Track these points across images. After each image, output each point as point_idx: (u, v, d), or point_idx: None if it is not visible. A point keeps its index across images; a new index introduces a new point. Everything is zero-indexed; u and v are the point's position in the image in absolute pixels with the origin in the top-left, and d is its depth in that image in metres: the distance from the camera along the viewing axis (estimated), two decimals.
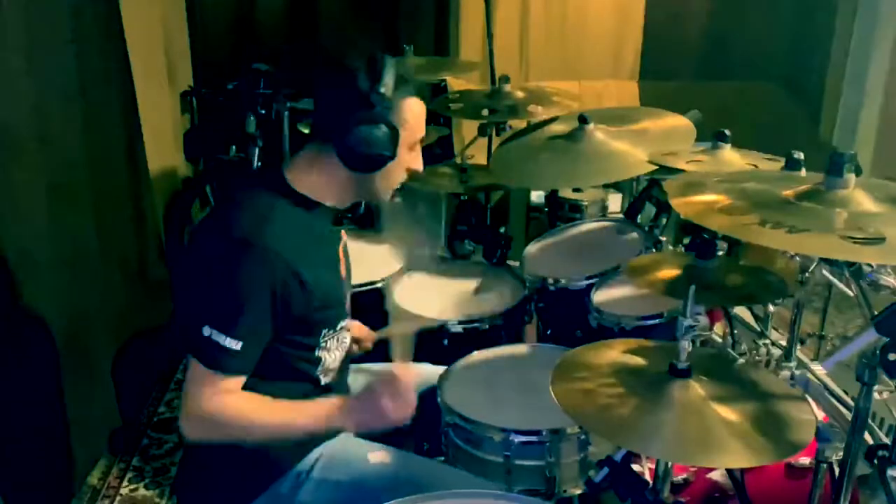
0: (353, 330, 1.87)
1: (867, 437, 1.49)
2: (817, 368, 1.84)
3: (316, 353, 1.65)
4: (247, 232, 1.50)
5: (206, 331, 1.47)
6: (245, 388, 1.54)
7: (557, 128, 2.47)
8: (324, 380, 1.70)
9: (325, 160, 1.58)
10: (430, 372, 1.94)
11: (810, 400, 1.52)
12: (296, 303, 1.54)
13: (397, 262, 2.45)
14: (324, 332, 1.64)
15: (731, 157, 2.04)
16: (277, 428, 1.55)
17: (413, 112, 1.60)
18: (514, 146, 2.51)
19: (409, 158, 1.65)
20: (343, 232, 1.79)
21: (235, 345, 1.48)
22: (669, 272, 1.72)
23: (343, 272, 1.74)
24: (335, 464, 1.66)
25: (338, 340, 1.70)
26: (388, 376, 1.59)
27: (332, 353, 1.69)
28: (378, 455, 1.68)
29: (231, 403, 1.51)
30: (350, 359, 1.82)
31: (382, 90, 1.53)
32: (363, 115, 1.52)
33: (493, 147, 2.82)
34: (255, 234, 1.49)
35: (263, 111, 3.43)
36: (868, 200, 1.34)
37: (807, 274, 1.75)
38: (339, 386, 1.76)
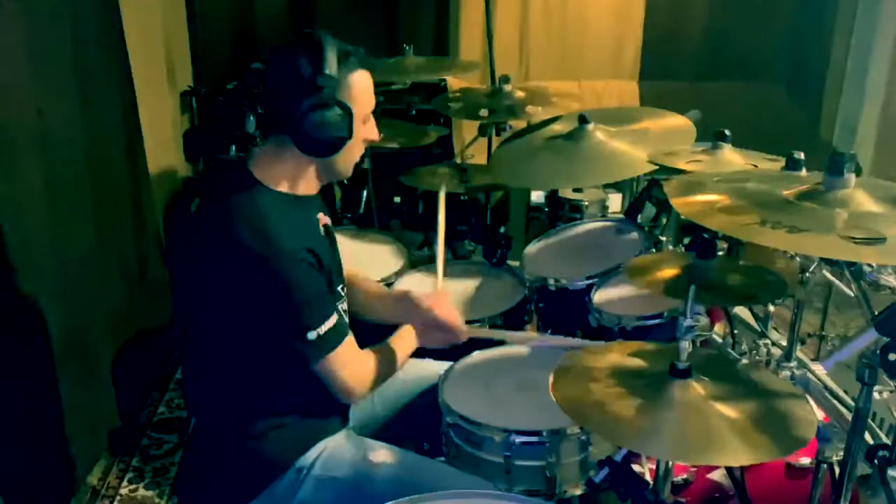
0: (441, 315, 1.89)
1: (867, 437, 1.49)
2: (817, 368, 1.84)
3: None
4: (259, 245, 1.50)
5: (312, 335, 1.54)
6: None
7: (557, 128, 2.47)
8: None
9: (285, 151, 1.59)
10: (431, 370, 1.93)
11: (810, 400, 1.52)
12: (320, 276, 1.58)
13: (397, 261, 2.45)
14: (338, 302, 1.67)
15: (731, 157, 2.03)
16: (396, 359, 1.75)
17: (361, 85, 1.58)
18: (514, 146, 2.51)
19: (365, 130, 1.64)
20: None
21: (334, 318, 1.58)
22: (669, 272, 1.72)
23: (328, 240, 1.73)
24: (335, 462, 1.66)
25: (344, 307, 1.73)
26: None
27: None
28: (378, 454, 1.68)
29: (369, 357, 1.68)
30: None
31: (327, 71, 1.50)
32: (312, 100, 1.50)
33: (493, 147, 2.82)
34: (268, 243, 1.50)
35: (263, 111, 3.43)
36: (868, 200, 1.35)
37: (807, 274, 1.74)
38: None
